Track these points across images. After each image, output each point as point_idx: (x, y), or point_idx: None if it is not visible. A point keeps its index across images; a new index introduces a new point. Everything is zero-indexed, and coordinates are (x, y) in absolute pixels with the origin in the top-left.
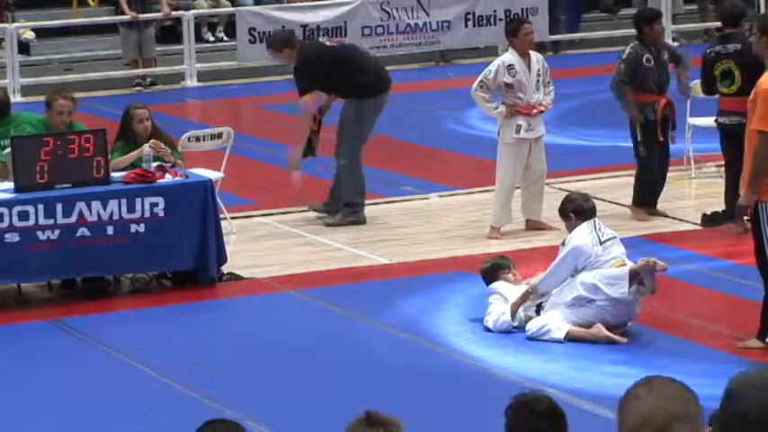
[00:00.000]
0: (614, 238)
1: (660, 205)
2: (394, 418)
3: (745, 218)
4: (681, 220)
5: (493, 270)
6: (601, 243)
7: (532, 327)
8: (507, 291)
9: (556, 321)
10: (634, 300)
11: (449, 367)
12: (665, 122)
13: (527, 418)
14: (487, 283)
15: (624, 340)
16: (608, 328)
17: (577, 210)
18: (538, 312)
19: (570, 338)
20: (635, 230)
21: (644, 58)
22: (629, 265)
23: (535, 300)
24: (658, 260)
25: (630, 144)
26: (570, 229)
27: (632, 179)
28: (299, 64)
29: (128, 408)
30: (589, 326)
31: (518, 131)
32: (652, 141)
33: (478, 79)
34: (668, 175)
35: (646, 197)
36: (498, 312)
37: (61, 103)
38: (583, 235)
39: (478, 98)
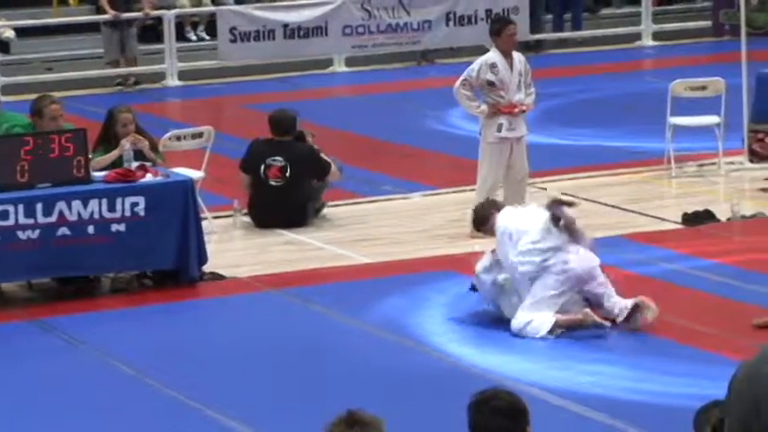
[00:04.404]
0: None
1: (639, 205)
2: (375, 417)
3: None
4: (661, 219)
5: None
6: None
7: (517, 324)
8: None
9: (541, 315)
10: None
11: (430, 367)
12: None
13: (487, 415)
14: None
15: (608, 324)
16: (593, 309)
17: (492, 206)
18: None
19: (560, 327)
20: (614, 229)
21: None
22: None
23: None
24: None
25: (612, 144)
26: (492, 231)
27: (615, 178)
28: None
29: (109, 407)
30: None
31: (499, 130)
32: None
33: (462, 77)
34: (648, 174)
35: None
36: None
37: (53, 108)
38: (505, 217)
39: (461, 96)
